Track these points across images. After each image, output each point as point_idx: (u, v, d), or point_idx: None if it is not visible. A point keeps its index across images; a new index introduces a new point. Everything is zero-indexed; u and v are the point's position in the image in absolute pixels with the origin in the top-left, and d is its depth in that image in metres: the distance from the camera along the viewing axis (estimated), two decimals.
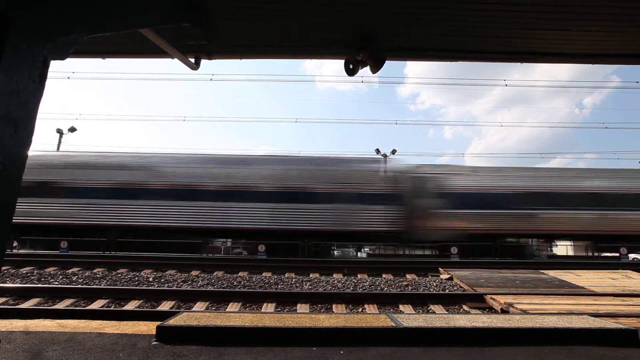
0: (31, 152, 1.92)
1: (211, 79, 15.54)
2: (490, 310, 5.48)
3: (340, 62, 4.49)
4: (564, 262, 12.09)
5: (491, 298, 5.59)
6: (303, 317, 3.59)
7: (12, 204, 1.84)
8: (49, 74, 2.03)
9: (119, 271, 8.30)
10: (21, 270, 7.97)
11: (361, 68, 4.38)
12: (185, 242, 14.79)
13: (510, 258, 13.96)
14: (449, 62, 4.77)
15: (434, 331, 3.15)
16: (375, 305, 5.63)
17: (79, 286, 6.30)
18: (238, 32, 4.13)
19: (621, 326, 3.40)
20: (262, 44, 4.40)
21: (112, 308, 5.28)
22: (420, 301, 5.83)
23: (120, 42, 4.38)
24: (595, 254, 17.13)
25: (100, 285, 6.74)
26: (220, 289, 6.35)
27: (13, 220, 1.82)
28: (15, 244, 16.15)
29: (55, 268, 8.48)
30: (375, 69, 4.29)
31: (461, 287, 6.98)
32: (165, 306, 5.45)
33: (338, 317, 3.57)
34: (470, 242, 15.16)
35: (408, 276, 8.44)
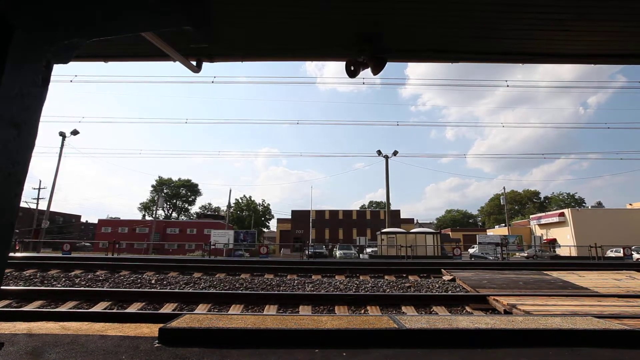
0: None
1: (212, 82, 15.59)
2: (493, 311, 5.45)
3: (341, 64, 4.50)
4: (567, 263, 12.02)
5: (494, 299, 5.56)
6: (305, 319, 3.58)
7: (15, 207, 1.85)
8: (52, 78, 2.05)
9: (121, 273, 8.32)
10: (24, 272, 8.00)
11: (362, 70, 4.39)
12: None
13: None
14: (450, 64, 4.76)
15: (436, 333, 3.14)
16: (377, 307, 5.62)
17: (82, 288, 6.31)
18: (239, 35, 4.14)
19: (626, 327, 3.38)
20: (263, 46, 4.41)
21: (114, 310, 5.29)
22: (423, 303, 5.81)
23: (122, 46, 4.41)
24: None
25: (103, 287, 6.76)
26: (223, 291, 6.36)
27: None
28: (17, 247, 16.22)
29: (58, 270, 8.51)
30: (376, 70, 4.29)
31: (464, 288, 6.96)
32: (168, 308, 5.46)
33: (340, 319, 3.56)
34: None
35: (410, 278, 8.42)
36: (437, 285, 7.21)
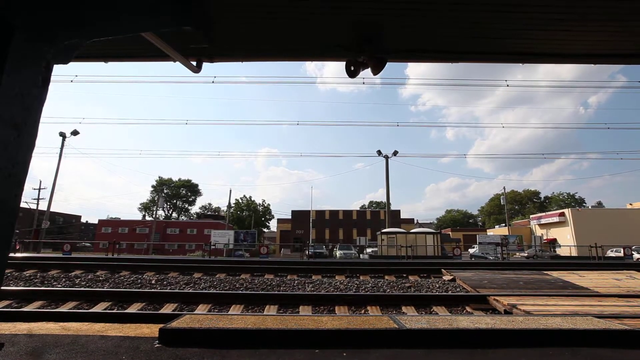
0: None
1: (213, 82, 15.57)
2: (494, 311, 5.45)
3: (341, 64, 4.50)
4: (567, 263, 12.00)
5: (494, 299, 5.56)
6: (305, 319, 3.58)
7: (15, 207, 1.84)
8: (52, 78, 2.05)
9: (121, 274, 8.32)
10: (24, 273, 8.00)
11: (362, 70, 4.39)
12: None
13: None
14: (450, 64, 4.75)
15: (436, 333, 3.14)
16: (377, 307, 5.62)
17: (82, 289, 6.31)
18: (239, 35, 4.14)
19: (626, 327, 3.37)
20: (263, 47, 4.41)
21: (114, 311, 5.29)
22: (423, 303, 5.80)
23: (122, 46, 4.41)
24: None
25: (103, 287, 6.76)
26: (223, 291, 6.35)
27: None
28: (17, 247, 16.23)
29: (58, 271, 8.50)
30: (376, 70, 4.29)
31: (464, 288, 6.95)
32: (168, 309, 5.45)
33: (340, 319, 3.56)
34: None
35: (411, 278, 8.42)
36: (437, 285, 7.20)
